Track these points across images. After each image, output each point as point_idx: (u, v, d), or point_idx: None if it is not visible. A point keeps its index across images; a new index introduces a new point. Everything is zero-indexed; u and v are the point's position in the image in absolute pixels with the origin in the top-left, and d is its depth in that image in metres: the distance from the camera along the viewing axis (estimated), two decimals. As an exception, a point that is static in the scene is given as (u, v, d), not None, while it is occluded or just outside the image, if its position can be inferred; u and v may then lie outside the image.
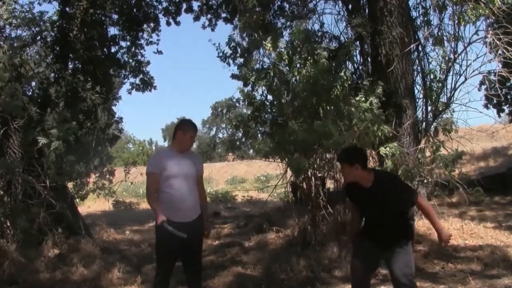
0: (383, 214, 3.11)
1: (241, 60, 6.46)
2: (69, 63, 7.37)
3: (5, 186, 5.72)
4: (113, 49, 8.46)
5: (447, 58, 6.66)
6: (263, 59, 6.73)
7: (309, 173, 5.69)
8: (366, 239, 3.25)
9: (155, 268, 3.66)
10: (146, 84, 9.21)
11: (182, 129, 3.50)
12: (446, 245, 3.22)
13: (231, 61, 6.54)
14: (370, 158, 6.21)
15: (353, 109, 5.47)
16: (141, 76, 9.11)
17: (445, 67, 6.75)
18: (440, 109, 6.86)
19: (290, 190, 7.33)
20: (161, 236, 3.40)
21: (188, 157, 3.52)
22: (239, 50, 6.48)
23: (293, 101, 5.71)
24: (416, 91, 7.22)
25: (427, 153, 6.43)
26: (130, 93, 9.14)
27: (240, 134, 6.65)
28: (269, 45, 5.84)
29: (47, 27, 7.01)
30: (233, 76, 6.42)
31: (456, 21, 6.26)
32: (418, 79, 7.29)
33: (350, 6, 7.74)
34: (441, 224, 3.24)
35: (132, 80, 9.09)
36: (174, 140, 3.54)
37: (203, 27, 9.72)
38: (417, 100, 7.20)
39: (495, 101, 12.31)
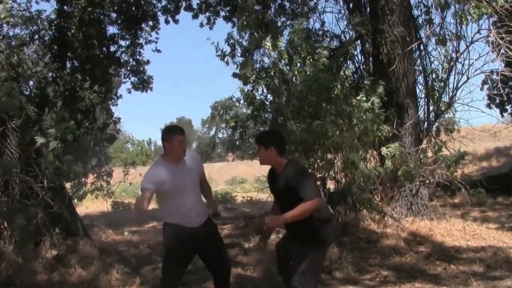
0: (285, 203, 3.00)
1: (240, 58, 6.41)
2: (67, 62, 7.32)
3: (3, 186, 5.65)
4: (112, 48, 8.43)
5: (449, 57, 6.62)
6: (263, 58, 6.69)
7: (310, 174, 5.64)
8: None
9: (163, 274, 3.41)
10: (144, 84, 9.16)
11: (168, 140, 3.25)
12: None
13: (230, 60, 6.48)
14: (371, 158, 6.17)
15: (353, 108, 5.42)
16: (140, 75, 9.07)
17: (447, 66, 6.71)
18: (442, 108, 6.83)
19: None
20: (170, 240, 3.28)
21: (185, 165, 3.33)
22: (237, 47, 6.43)
23: (292, 101, 5.66)
24: (417, 91, 7.20)
25: (429, 154, 6.39)
26: (130, 92, 9.10)
27: (238, 135, 6.60)
28: (268, 44, 5.78)
29: (44, 26, 6.95)
30: (234, 75, 6.37)
31: (458, 20, 6.21)
32: (420, 79, 7.27)
33: (351, 5, 7.69)
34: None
35: (132, 79, 9.06)
36: (165, 153, 3.32)
37: (201, 25, 9.67)
38: (419, 99, 7.17)
39: (497, 101, 12.24)
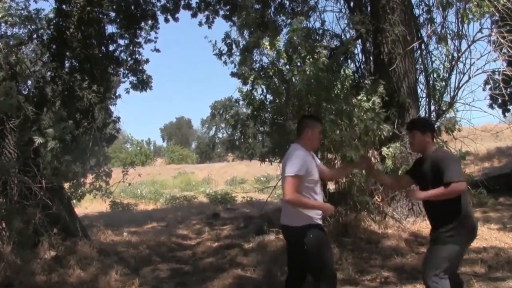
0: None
1: (238, 57, 6.38)
2: (66, 61, 7.29)
3: (1, 187, 5.62)
4: (111, 47, 8.39)
5: (450, 56, 6.57)
6: (262, 58, 6.65)
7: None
8: None
9: (323, 269, 3.11)
10: (143, 84, 9.12)
11: (310, 126, 3.18)
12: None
13: (227, 59, 6.45)
14: (372, 158, 6.14)
15: (353, 108, 5.38)
16: (139, 74, 9.03)
17: (449, 66, 6.66)
18: (444, 108, 6.78)
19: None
20: (322, 236, 3.11)
21: (313, 156, 3.25)
22: (234, 47, 6.39)
23: (292, 100, 5.62)
24: (419, 90, 7.15)
25: (430, 153, 6.33)
26: (128, 92, 9.07)
27: (238, 134, 6.57)
28: (267, 43, 5.74)
29: (43, 25, 6.92)
30: (233, 74, 6.33)
31: (460, 19, 6.17)
32: (421, 78, 7.23)
33: (351, 4, 7.66)
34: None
35: (131, 79, 9.03)
36: (301, 139, 3.19)
37: (200, 24, 9.63)
38: (420, 99, 7.13)
39: (499, 101, 12.14)
